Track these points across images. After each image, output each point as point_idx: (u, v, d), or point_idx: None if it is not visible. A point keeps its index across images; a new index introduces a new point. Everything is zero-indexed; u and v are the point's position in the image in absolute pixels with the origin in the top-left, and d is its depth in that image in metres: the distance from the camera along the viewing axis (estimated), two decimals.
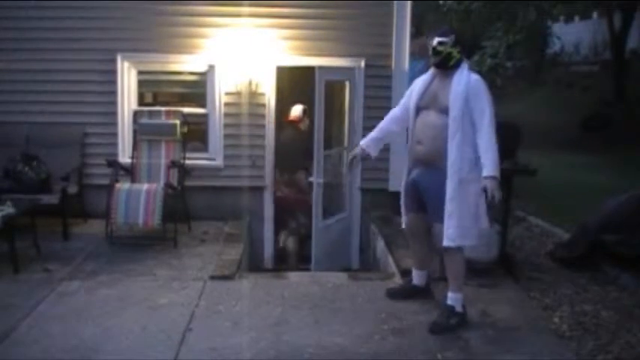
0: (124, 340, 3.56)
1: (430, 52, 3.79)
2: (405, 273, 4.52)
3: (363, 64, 6.08)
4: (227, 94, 6.07)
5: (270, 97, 6.09)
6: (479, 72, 4.34)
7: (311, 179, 5.80)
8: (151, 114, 5.98)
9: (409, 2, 6.08)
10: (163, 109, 6.01)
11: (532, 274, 4.74)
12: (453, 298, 3.82)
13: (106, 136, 6.05)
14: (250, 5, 5.87)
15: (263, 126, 6.13)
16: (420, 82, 3.95)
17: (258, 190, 6.23)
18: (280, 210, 6.44)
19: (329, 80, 5.80)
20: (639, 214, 4.84)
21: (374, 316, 3.95)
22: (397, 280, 4.64)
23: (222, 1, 5.91)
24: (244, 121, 6.10)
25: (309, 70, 5.70)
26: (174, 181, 5.61)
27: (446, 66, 3.75)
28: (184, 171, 5.79)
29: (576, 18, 17.37)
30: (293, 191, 6.68)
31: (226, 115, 6.10)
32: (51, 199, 5.28)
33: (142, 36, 5.98)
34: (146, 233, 5.37)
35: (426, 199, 3.86)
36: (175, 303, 4.10)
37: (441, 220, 3.73)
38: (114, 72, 5.97)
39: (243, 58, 5.96)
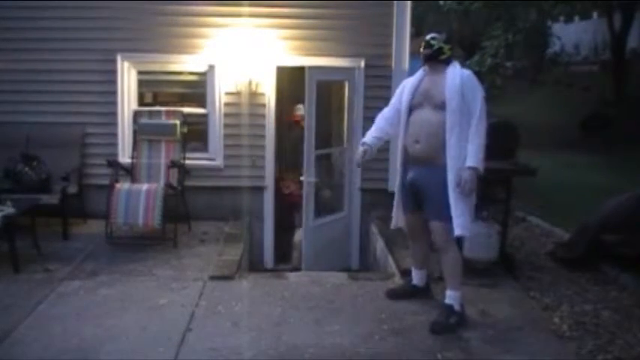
0: (124, 340, 3.56)
1: (422, 46, 3.86)
2: (405, 273, 4.52)
3: (363, 64, 6.09)
4: (227, 94, 6.08)
5: (270, 97, 6.09)
6: (479, 72, 4.36)
7: (302, 178, 5.83)
8: (151, 114, 5.98)
9: (409, 2, 6.09)
10: (163, 109, 6.02)
11: (532, 274, 4.74)
12: (451, 296, 3.83)
13: (106, 136, 6.06)
14: (250, 5, 5.87)
15: (263, 126, 6.13)
16: (410, 82, 3.99)
17: (258, 190, 6.23)
18: (287, 206, 6.42)
19: (324, 80, 5.82)
20: (639, 214, 4.84)
21: (374, 316, 3.95)
22: (397, 280, 4.64)
23: (222, 1, 5.91)
24: (244, 121, 6.10)
25: None
26: (174, 181, 5.61)
27: (437, 59, 3.82)
28: (184, 171, 5.79)
29: (576, 18, 17.35)
30: (299, 188, 6.67)
31: (226, 115, 6.10)
32: (51, 199, 5.28)
33: (142, 36, 5.99)
34: (146, 233, 5.37)
35: (425, 198, 3.86)
36: (175, 303, 4.10)
37: (439, 218, 3.75)
38: (114, 72, 5.98)
39: (243, 58, 5.96)
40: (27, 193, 5.17)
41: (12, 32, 5.93)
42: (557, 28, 15.14)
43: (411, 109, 3.89)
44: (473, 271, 4.46)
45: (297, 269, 5.75)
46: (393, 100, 4.09)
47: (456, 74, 3.73)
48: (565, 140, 11.31)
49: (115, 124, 6.04)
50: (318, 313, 4.00)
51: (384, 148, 6.00)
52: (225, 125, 6.11)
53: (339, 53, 6.06)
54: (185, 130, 5.88)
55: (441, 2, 11.70)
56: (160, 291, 4.30)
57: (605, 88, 13.40)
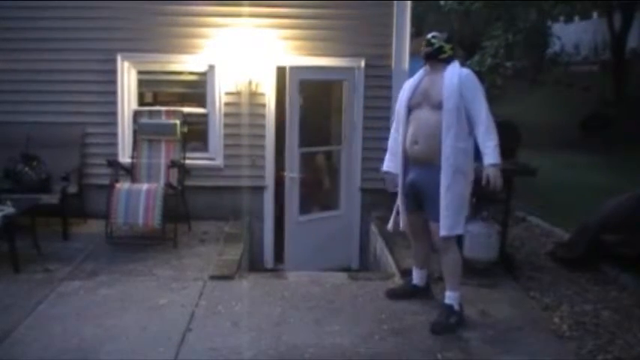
0: (124, 340, 3.56)
1: (423, 45, 3.85)
2: (405, 273, 4.52)
3: (363, 64, 6.09)
4: (227, 94, 6.08)
5: (270, 97, 6.09)
6: (479, 72, 4.36)
7: (286, 173, 5.89)
8: (150, 114, 5.98)
9: (409, 2, 6.09)
10: (163, 109, 6.02)
11: (532, 274, 4.74)
12: (450, 296, 3.83)
13: (106, 136, 6.06)
14: (250, 5, 5.87)
15: (263, 126, 6.13)
16: (409, 83, 3.99)
17: (258, 190, 6.23)
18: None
19: (312, 80, 5.92)
20: (639, 214, 4.84)
21: (374, 316, 3.95)
22: (397, 280, 4.64)
23: (222, 1, 5.91)
24: (244, 121, 6.10)
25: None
26: (174, 181, 5.61)
27: (437, 58, 3.81)
28: (184, 171, 5.79)
29: (576, 18, 17.35)
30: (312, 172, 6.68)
31: (226, 115, 6.10)
32: (51, 199, 5.28)
33: (142, 36, 5.99)
34: (146, 233, 5.37)
35: (425, 199, 3.86)
36: (175, 303, 4.10)
37: (439, 219, 3.74)
38: (114, 72, 5.98)
39: (243, 58, 5.96)
40: (27, 193, 5.17)
41: (12, 32, 5.93)
42: (557, 28, 15.12)
43: (410, 109, 3.89)
44: (473, 271, 4.46)
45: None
46: (397, 108, 4.06)
47: (454, 74, 3.71)
48: (565, 140, 11.31)
49: (115, 124, 6.04)
50: (318, 313, 4.00)
51: (384, 148, 6.03)
52: (225, 125, 6.11)
53: (339, 53, 6.06)
54: (185, 129, 5.88)
55: (442, 2, 11.70)
56: (160, 291, 4.30)
57: (605, 88, 13.40)
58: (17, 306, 3.97)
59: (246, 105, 6.08)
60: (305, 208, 6.10)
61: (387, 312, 4.00)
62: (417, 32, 10.84)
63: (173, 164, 5.63)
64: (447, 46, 3.80)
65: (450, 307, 3.80)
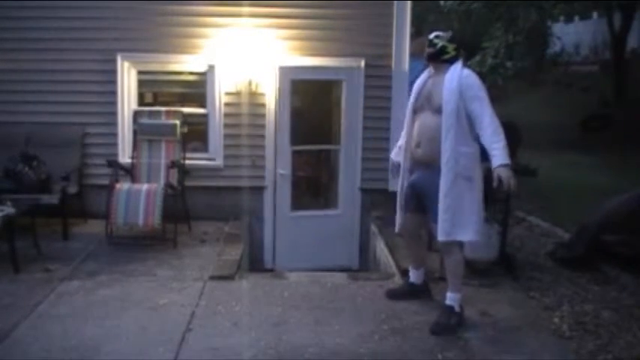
0: (124, 341, 3.56)
1: (426, 45, 3.83)
2: (405, 273, 4.51)
3: (362, 64, 6.08)
4: (227, 94, 6.07)
5: (270, 97, 6.09)
6: (480, 72, 4.36)
7: (277, 170, 5.97)
8: (150, 114, 5.98)
9: (409, 2, 6.08)
10: (163, 109, 6.01)
11: (532, 274, 4.74)
12: (451, 297, 3.82)
13: (106, 136, 6.05)
14: (250, 5, 5.87)
15: (263, 126, 6.12)
16: (417, 84, 3.98)
17: (258, 190, 6.23)
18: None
19: (306, 80, 6.00)
20: (639, 214, 4.84)
21: (374, 316, 3.95)
22: (397, 280, 4.64)
23: (222, 0, 5.91)
24: (244, 121, 6.10)
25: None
26: (174, 181, 5.61)
27: (439, 59, 3.78)
28: (184, 171, 5.79)
29: (576, 18, 17.37)
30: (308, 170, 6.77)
31: (226, 115, 6.10)
32: (51, 199, 5.28)
33: (142, 36, 5.98)
34: (146, 233, 5.36)
35: (428, 201, 3.85)
36: (175, 303, 4.10)
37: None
38: (114, 72, 5.97)
39: (243, 58, 5.96)
40: (27, 193, 5.17)
41: (12, 32, 5.92)
42: (557, 28, 15.15)
43: (415, 112, 3.90)
44: (473, 271, 4.46)
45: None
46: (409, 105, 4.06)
47: (454, 76, 3.68)
48: (565, 140, 11.31)
49: (115, 124, 6.04)
50: (318, 313, 4.00)
51: (384, 148, 6.05)
52: (225, 125, 6.11)
53: (338, 53, 6.05)
54: (185, 130, 5.88)
55: (442, 2, 11.70)
56: (160, 291, 4.29)
57: (605, 88, 13.41)
58: (17, 306, 3.97)
59: (246, 105, 6.08)
60: (297, 204, 6.15)
61: (387, 312, 4.00)
62: (417, 32, 10.84)
63: (173, 164, 5.63)
64: (451, 46, 3.76)
65: (450, 308, 3.80)
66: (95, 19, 5.90)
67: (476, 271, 4.50)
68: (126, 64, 6.02)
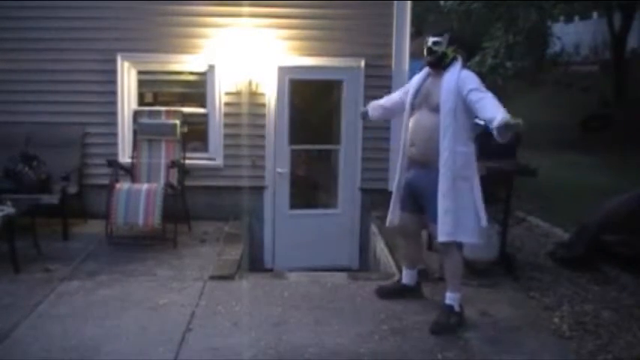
0: (124, 341, 3.56)
1: (425, 52, 3.81)
2: None
3: (362, 64, 6.08)
4: (227, 94, 6.07)
5: (270, 97, 6.09)
6: (480, 72, 4.35)
7: (276, 169, 6.01)
8: (150, 114, 5.98)
9: (409, 2, 6.09)
10: (163, 109, 6.02)
11: (532, 274, 4.74)
12: (451, 297, 3.82)
13: (106, 136, 6.05)
14: (250, 5, 5.87)
15: (263, 126, 6.13)
16: (415, 80, 3.99)
17: (258, 190, 6.23)
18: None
19: (305, 80, 6.04)
20: (639, 214, 4.84)
21: (374, 316, 3.95)
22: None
23: (222, 0, 5.91)
24: (244, 121, 6.10)
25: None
26: (175, 181, 5.61)
27: (440, 65, 3.78)
28: (184, 171, 5.79)
29: (576, 18, 17.37)
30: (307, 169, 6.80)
31: (226, 115, 6.10)
32: (51, 199, 5.28)
33: (142, 36, 5.98)
34: (146, 233, 5.36)
35: (424, 201, 3.85)
36: (175, 303, 4.10)
37: (437, 220, 3.73)
38: (114, 72, 5.97)
39: (243, 58, 5.96)
40: (27, 193, 5.16)
41: (12, 32, 5.93)
42: (557, 28, 15.14)
43: (412, 109, 3.90)
44: (473, 271, 4.46)
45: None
46: (403, 90, 4.17)
47: (453, 76, 3.69)
48: (565, 140, 11.32)
49: (115, 124, 6.04)
50: (318, 313, 4.00)
51: (384, 148, 6.05)
52: (225, 125, 6.11)
53: (338, 53, 6.06)
54: (185, 129, 5.88)
55: (442, 2, 11.70)
56: (160, 291, 4.30)
57: (605, 88, 13.41)
58: (17, 306, 3.97)
59: (246, 105, 6.08)
60: (296, 203, 6.17)
61: (387, 312, 4.00)
62: (417, 32, 10.82)
63: (173, 164, 5.63)
64: (449, 50, 3.75)
65: (450, 308, 3.80)
66: (95, 19, 5.91)
67: (476, 271, 4.50)
68: (126, 64, 6.02)
